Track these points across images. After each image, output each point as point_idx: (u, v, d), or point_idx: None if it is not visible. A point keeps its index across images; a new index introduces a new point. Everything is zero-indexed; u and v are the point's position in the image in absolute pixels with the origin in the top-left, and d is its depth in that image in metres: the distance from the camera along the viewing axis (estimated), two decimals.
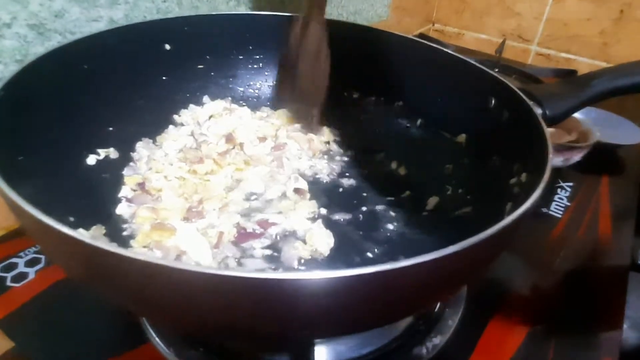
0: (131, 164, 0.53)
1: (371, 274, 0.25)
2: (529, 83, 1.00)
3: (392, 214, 0.51)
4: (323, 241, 0.45)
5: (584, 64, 1.20)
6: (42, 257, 0.51)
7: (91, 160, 0.50)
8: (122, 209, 0.47)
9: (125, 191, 0.50)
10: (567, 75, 0.97)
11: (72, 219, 0.41)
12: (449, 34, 1.38)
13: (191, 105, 0.62)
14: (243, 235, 0.45)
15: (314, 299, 0.26)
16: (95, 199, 0.47)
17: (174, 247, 0.41)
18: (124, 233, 0.45)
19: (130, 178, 0.51)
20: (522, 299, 0.51)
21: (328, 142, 0.62)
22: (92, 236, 0.42)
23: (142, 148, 0.55)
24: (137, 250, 0.42)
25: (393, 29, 0.64)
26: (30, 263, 0.50)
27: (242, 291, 0.25)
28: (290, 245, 0.44)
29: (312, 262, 0.44)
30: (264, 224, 0.47)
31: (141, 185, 0.50)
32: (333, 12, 0.96)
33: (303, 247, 0.45)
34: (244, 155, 0.56)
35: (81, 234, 0.25)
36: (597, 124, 0.75)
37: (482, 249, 0.30)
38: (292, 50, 0.61)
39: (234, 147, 0.57)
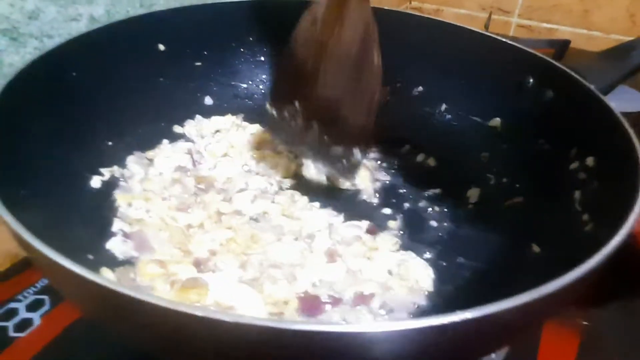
0: (121, 182, 0.46)
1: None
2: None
3: (436, 210, 0.47)
4: (422, 273, 0.39)
5: (566, 32, 1.19)
6: (45, 297, 0.44)
7: (95, 182, 0.44)
8: (114, 244, 0.40)
9: (119, 224, 0.42)
10: (562, 46, 0.96)
11: (90, 256, 0.35)
12: (427, 11, 1.34)
13: (197, 117, 0.55)
14: (312, 306, 0.36)
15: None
16: (109, 229, 0.41)
17: (214, 305, 0.35)
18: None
19: (122, 196, 0.44)
20: None
21: None
22: (118, 280, 0.36)
23: (135, 164, 0.48)
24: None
25: None
26: (33, 307, 0.43)
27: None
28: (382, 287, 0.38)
29: None
30: (362, 299, 0.36)
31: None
32: None
33: (400, 284, 0.38)
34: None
35: (120, 285, 0.21)
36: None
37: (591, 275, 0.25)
38: (305, 55, 0.39)
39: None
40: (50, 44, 0.47)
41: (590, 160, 0.39)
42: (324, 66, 0.39)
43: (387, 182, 0.51)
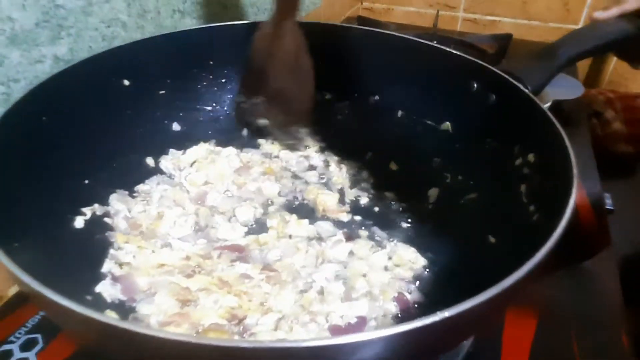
0: (106, 219, 0.48)
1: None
2: (468, 51, 1.04)
3: (402, 211, 0.51)
4: (412, 255, 0.44)
5: (509, 23, 1.26)
6: (38, 336, 0.45)
7: (79, 222, 0.45)
8: (103, 287, 0.41)
9: (109, 265, 0.43)
10: (504, 40, 1.02)
11: (89, 297, 0.37)
12: (379, 11, 1.39)
13: (171, 150, 0.57)
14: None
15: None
16: (99, 270, 0.43)
17: None
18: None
19: (121, 236, 0.46)
20: None
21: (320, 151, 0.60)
22: None
23: (117, 201, 0.50)
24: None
25: (327, 14, 0.63)
26: (27, 346, 0.45)
27: None
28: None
29: None
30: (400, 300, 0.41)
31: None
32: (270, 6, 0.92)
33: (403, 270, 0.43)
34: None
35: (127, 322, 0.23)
36: None
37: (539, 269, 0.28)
38: (259, 60, 0.55)
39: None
40: (16, 87, 0.48)
41: (531, 157, 0.44)
42: (272, 67, 0.54)
43: (356, 189, 0.55)
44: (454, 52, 0.53)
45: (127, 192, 0.51)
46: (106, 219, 0.48)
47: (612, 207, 0.67)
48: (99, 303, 0.39)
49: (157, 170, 0.55)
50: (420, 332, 0.23)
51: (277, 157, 0.59)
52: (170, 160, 0.56)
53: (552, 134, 0.40)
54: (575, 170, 0.34)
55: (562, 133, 0.39)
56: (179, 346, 0.22)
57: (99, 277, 0.42)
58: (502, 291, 0.24)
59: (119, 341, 0.25)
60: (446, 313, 0.22)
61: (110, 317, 0.23)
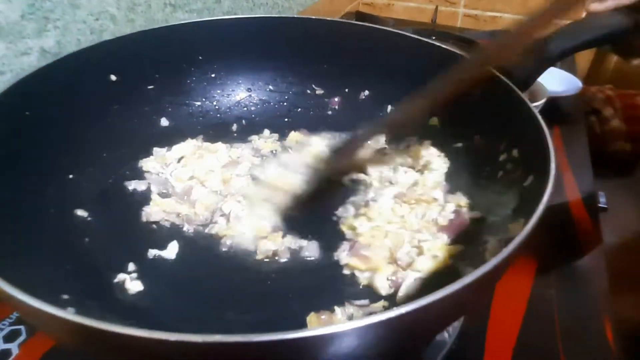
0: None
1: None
2: (467, 47, 1.03)
3: None
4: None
5: (510, 20, 1.25)
6: (21, 327, 0.46)
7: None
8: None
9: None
10: None
11: (65, 296, 0.36)
12: (379, 6, 1.38)
13: (155, 149, 0.56)
14: None
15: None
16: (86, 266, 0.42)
17: None
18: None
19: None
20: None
21: None
22: None
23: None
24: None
25: (327, 9, 0.62)
26: (10, 337, 0.45)
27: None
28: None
29: None
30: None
31: None
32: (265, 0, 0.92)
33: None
34: None
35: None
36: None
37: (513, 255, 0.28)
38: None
39: None
40: (2, 80, 0.48)
41: (515, 152, 0.43)
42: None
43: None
44: (440, 45, 0.53)
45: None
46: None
47: (605, 206, 0.66)
48: (80, 300, 0.38)
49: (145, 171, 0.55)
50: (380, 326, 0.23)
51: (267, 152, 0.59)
52: (160, 156, 0.55)
53: (534, 128, 0.39)
54: (553, 166, 0.33)
55: (544, 127, 0.38)
56: (156, 344, 0.22)
57: (92, 281, 0.41)
58: (456, 291, 0.24)
59: (90, 340, 0.25)
60: (402, 310, 0.22)
61: (80, 317, 0.22)
